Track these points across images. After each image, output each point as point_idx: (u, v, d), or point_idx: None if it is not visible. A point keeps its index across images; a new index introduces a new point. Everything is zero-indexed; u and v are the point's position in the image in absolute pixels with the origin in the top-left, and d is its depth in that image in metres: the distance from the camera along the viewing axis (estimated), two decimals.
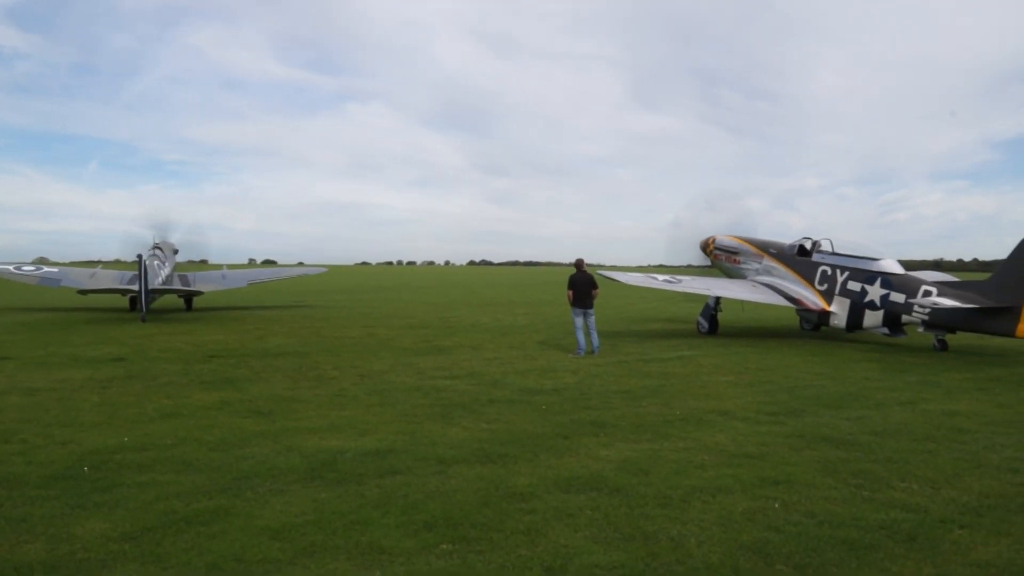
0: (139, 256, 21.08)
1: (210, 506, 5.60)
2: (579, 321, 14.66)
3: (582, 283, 14.63)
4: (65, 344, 15.43)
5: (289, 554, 4.76)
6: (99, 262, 23.68)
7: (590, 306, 14.65)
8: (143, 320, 20.43)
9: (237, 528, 5.18)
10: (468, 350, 15.09)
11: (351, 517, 5.39)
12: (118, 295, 24.00)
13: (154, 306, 23.76)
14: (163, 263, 24.07)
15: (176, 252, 26.48)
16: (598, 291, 14.79)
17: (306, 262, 44.85)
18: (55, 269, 25.13)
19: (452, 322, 21.75)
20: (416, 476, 6.40)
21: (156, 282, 22.54)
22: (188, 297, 25.10)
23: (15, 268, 24.73)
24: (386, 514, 5.46)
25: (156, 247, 24.81)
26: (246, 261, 34.09)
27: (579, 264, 14.94)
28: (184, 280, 25.36)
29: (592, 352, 14.42)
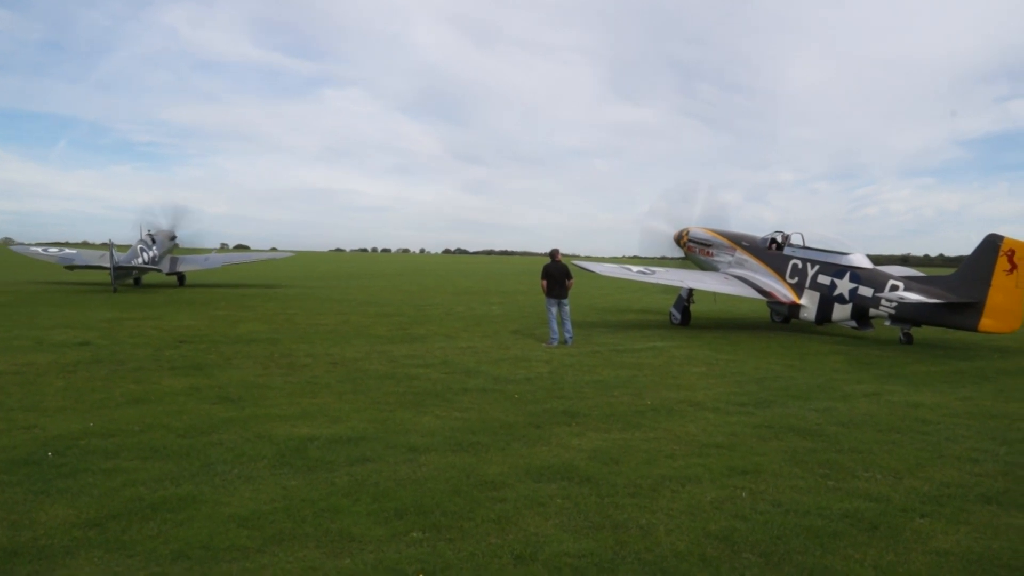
0: (110, 241, 26.70)
1: (177, 493, 5.54)
2: (553, 311, 14.71)
3: (557, 273, 14.66)
4: (30, 327, 15.09)
5: (258, 542, 4.72)
6: (109, 243, 27.66)
7: (564, 296, 14.69)
8: (114, 291, 25.19)
9: (204, 515, 5.12)
10: (442, 338, 15.05)
11: (321, 505, 5.37)
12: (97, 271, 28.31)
13: (152, 281, 30.31)
14: (147, 248, 28.20)
15: (174, 239, 30.84)
16: (572, 281, 14.83)
17: (279, 248, 45.33)
18: (73, 251, 30.68)
19: (426, 310, 21.67)
20: (387, 464, 6.38)
21: (135, 262, 27.01)
22: (179, 275, 29.84)
23: (43, 250, 31.06)
24: (356, 502, 5.44)
25: (149, 235, 29.01)
26: (218, 246, 35.72)
27: (554, 254, 14.95)
28: (173, 263, 30.03)
29: (565, 342, 14.47)
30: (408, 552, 4.63)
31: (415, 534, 4.91)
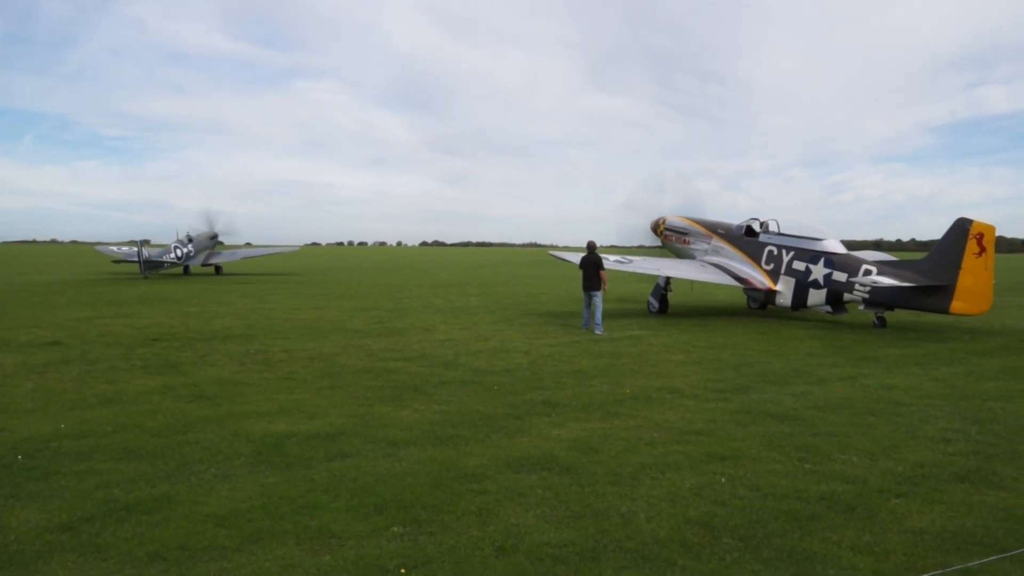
0: (138, 242, 33.96)
1: (152, 494, 5.45)
2: (586, 299, 15.36)
3: (588, 265, 15.35)
4: None
5: (235, 541, 4.66)
6: (145, 241, 35.15)
7: (594, 288, 15.20)
8: (145, 277, 32.02)
9: (181, 515, 5.05)
10: (420, 332, 14.99)
11: (299, 501, 5.31)
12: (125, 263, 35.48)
13: (196, 271, 36.93)
14: (182, 246, 35.12)
15: (214, 238, 38.21)
16: (604, 272, 15.32)
17: (253, 243, 45.75)
18: (133, 249, 35.50)
19: (404, 303, 21.57)
20: (366, 459, 6.33)
21: (167, 257, 34.20)
22: (215, 267, 36.91)
23: (116, 248, 38.56)
24: (336, 498, 5.40)
25: (187, 235, 35.86)
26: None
27: (591, 247, 15.66)
28: (208, 256, 37.01)
29: (594, 330, 14.92)
30: (388, 547, 4.60)
31: (395, 529, 4.88)
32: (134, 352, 11.94)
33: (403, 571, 4.27)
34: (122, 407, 8.14)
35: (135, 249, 35.21)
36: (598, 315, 15.12)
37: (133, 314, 17.75)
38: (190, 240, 35.99)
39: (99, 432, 7.08)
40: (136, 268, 33.52)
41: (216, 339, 13.56)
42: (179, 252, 34.85)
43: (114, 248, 38.94)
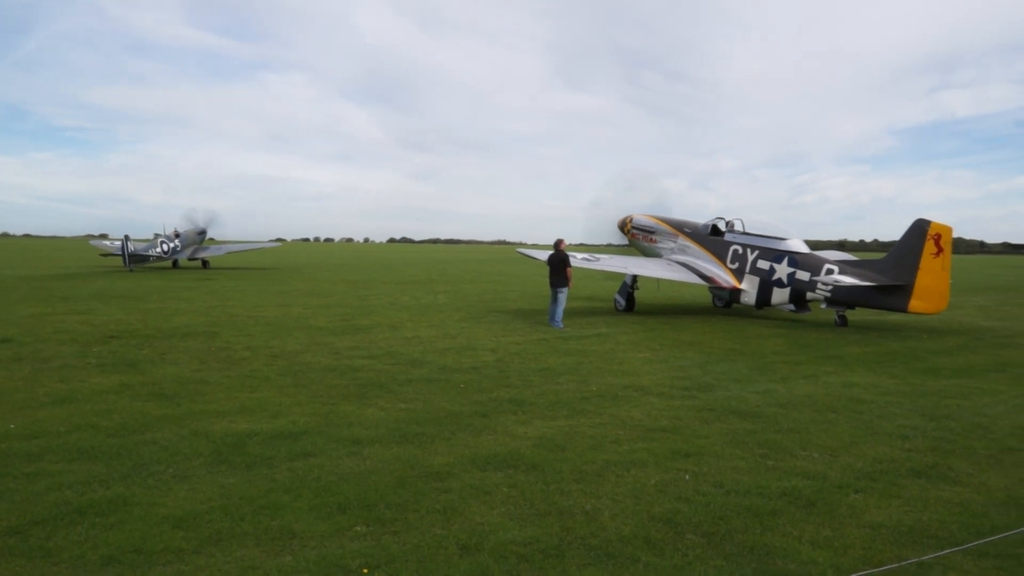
0: (125, 236, 34.31)
1: (107, 495, 5.29)
2: (553, 295, 15.72)
3: (555, 262, 15.75)
4: None
5: (193, 543, 4.55)
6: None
7: (559, 285, 15.58)
8: (131, 270, 33.09)
9: (136, 518, 4.91)
10: (386, 329, 14.86)
11: (260, 502, 5.21)
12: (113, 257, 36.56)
13: (186, 265, 38.22)
14: (168, 241, 36.32)
15: (202, 233, 39.88)
16: (570, 269, 15.78)
17: (216, 239, 45.08)
18: (118, 242, 36.21)
19: (370, 301, 21.37)
20: (330, 458, 6.24)
21: (152, 251, 35.33)
22: (203, 261, 38.02)
23: (110, 243, 39.43)
24: (298, 498, 5.30)
25: (175, 231, 37.29)
26: (151, 236, 38.11)
27: (557, 244, 16.11)
28: (196, 250, 38.22)
29: (556, 325, 15.38)
30: (351, 547, 4.53)
31: (359, 528, 4.81)
32: (89, 350, 11.62)
33: (366, 571, 4.21)
34: (76, 406, 7.90)
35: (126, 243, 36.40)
36: (559, 311, 15.58)
37: (89, 310, 17.28)
38: (177, 235, 37.30)
39: (51, 432, 6.86)
40: (121, 262, 34.27)
41: (176, 336, 13.27)
42: (165, 247, 36.07)
43: (107, 243, 40.31)
